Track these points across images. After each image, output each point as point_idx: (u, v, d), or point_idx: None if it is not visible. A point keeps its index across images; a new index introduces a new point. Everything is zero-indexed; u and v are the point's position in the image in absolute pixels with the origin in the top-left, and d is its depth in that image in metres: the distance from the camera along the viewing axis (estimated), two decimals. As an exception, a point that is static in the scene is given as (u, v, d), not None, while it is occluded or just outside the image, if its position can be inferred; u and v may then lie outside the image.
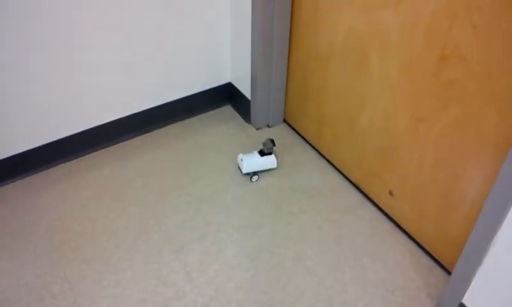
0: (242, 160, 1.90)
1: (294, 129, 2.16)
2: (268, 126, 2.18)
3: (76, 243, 1.69)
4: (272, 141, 1.90)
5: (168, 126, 2.20)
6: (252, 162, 1.90)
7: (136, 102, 2.07)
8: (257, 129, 2.17)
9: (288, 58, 2.00)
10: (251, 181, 1.93)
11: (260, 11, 1.82)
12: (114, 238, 1.70)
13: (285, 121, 2.21)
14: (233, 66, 2.19)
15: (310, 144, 2.08)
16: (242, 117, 2.25)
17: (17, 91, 1.75)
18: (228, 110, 2.31)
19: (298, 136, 2.13)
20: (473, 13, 1.20)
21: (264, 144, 1.90)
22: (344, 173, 1.93)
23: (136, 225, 1.75)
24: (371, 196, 1.83)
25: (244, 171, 1.90)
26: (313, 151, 2.05)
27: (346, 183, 1.91)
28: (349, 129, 1.80)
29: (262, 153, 1.92)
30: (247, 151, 2.01)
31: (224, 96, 2.29)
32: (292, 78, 2.04)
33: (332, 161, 1.98)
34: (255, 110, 2.12)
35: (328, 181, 1.92)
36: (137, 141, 2.13)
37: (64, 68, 1.79)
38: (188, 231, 1.72)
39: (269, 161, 1.92)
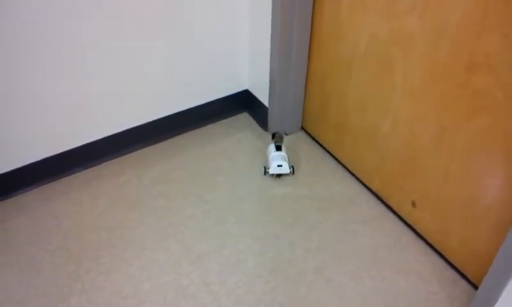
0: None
1: (312, 137, 2.13)
2: (286, 134, 2.15)
3: (93, 253, 1.67)
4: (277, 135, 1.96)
5: (185, 134, 2.18)
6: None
7: (153, 109, 2.05)
8: (274, 137, 2.15)
9: (308, 65, 1.97)
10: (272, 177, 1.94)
11: (280, 19, 1.79)
12: (131, 248, 1.68)
13: (302, 128, 2.18)
14: (251, 73, 2.16)
15: (329, 152, 2.05)
16: (259, 124, 2.22)
17: (33, 98, 1.74)
18: (245, 117, 2.29)
19: (316, 144, 2.10)
20: (505, 22, 1.16)
21: (276, 136, 1.95)
22: (363, 181, 1.90)
23: (154, 234, 1.73)
24: (392, 206, 1.79)
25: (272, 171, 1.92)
26: (332, 159, 2.02)
27: (366, 192, 1.88)
28: (370, 137, 1.77)
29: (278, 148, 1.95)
30: (261, 160, 1.99)
31: (241, 103, 2.27)
32: (311, 85, 2.01)
33: (352, 170, 1.95)
34: (272, 117, 2.10)
35: (348, 190, 1.89)
36: (154, 148, 2.11)
37: (80, 75, 1.78)
38: (207, 241, 1.70)
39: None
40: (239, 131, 2.20)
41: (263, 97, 2.13)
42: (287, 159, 1.90)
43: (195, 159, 2.05)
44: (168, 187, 1.92)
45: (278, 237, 1.71)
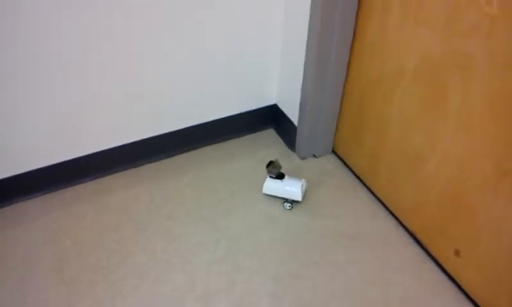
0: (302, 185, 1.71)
1: (344, 161, 1.90)
2: (314, 156, 1.94)
3: (89, 278, 1.48)
4: (273, 163, 1.72)
5: (205, 148, 1.99)
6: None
7: (172, 119, 1.86)
8: (302, 159, 1.93)
9: (345, 82, 1.75)
10: (284, 207, 1.73)
11: (318, 29, 1.58)
12: (132, 276, 1.49)
13: (333, 151, 1.96)
14: (281, 87, 1.96)
15: (362, 181, 1.82)
16: (285, 143, 2.01)
17: (39, 98, 1.57)
18: (270, 134, 2.08)
19: (348, 170, 1.88)
20: None
21: (272, 167, 1.71)
22: (400, 219, 1.66)
23: (159, 262, 1.53)
24: (432, 252, 1.55)
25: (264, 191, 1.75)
26: (365, 190, 1.79)
27: (402, 232, 1.64)
28: (411, 169, 1.54)
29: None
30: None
31: (268, 118, 2.06)
32: (347, 104, 1.79)
33: (387, 204, 1.71)
34: (301, 137, 1.88)
35: (381, 228, 1.65)
36: (170, 162, 1.93)
37: (93, 75, 1.61)
38: (216, 276, 1.49)
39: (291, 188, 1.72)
40: (263, 149, 1.99)
41: (292, 114, 1.92)
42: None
43: (212, 177, 1.85)
44: (179, 207, 1.73)
45: (298, 277, 1.49)
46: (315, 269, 1.51)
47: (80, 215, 1.70)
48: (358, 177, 1.84)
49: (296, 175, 1.78)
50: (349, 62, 1.70)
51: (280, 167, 1.72)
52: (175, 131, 1.89)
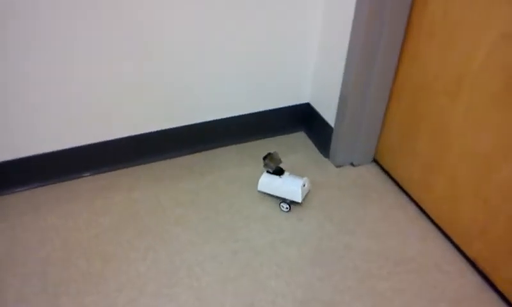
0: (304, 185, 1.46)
1: (388, 173, 1.62)
2: (352, 164, 1.66)
3: (77, 287, 1.22)
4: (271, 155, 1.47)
5: (226, 148, 1.72)
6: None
7: (190, 112, 1.62)
8: (337, 166, 1.65)
9: (395, 78, 1.48)
10: (280, 208, 1.48)
11: (366, 14, 1.33)
12: (128, 288, 1.22)
13: (375, 160, 1.68)
14: (316, 82, 1.69)
15: (410, 196, 1.53)
16: (318, 148, 1.74)
17: (39, 79, 1.34)
18: (300, 137, 1.81)
19: (392, 183, 1.59)
20: None
21: (270, 160, 1.47)
22: (458, 244, 1.37)
23: (162, 274, 1.26)
24: (496, 283, 1.25)
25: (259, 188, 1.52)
26: (413, 206, 1.50)
27: (460, 258, 1.34)
28: (477, 181, 1.25)
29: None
30: (319, 194, 1.51)
31: (299, 119, 1.80)
32: (395, 104, 1.52)
33: (441, 223, 1.42)
34: (337, 141, 1.61)
35: (433, 252, 1.36)
36: (182, 161, 1.67)
37: (103, 74, 1.37)
38: (231, 296, 1.21)
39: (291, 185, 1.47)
40: (292, 153, 1.72)
41: (328, 115, 1.65)
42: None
43: (232, 180, 1.58)
44: (191, 212, 1.46)
45: (331, 305, 1.20)
46: (351, 296, 1.23)
47: (74, 214, 1.44)
48: (404, 191, 1.55)
49: (330, 184, 1.51)
50: (401, 53, 1.44)
51: (279, 161, 1.47)
52: (192, 124, 1.63)
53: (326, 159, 1.69)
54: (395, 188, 1.57)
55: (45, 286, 1.23)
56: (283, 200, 1.48)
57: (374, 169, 1.65)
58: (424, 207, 1.47)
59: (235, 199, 1.51)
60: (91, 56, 1.37)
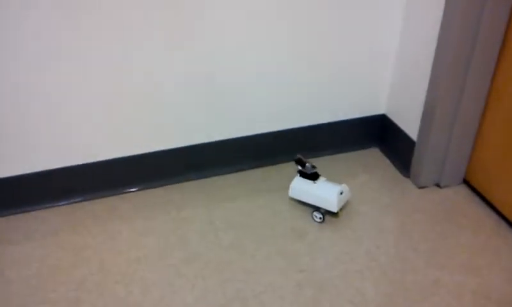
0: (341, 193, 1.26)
1: (482, 196, 1.35)
2: (438, 185, 1.40)
3: (110, 319, 1.03)
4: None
5: (289, 164, 1.51)
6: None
7: (247, 122, 1.43)
8: (420, 187, 1.40)
9: (493, 79, 1.23)
10: (312, 218, 1.28)
11: (459, 10, 1.11)
12: (170, 324, 1.02)
13: (465, 181, 1.41)
14: (394, 90, 1.46)
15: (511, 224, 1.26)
16: (396, 166, 1.49)
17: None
18: (374, 154, 1.57)
19: (488, 208, 1.32)
20: None
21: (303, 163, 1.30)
22: None
23: (212, 306, 1.05)
24: None
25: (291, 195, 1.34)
26: (516, 237, 1.23)
27: None
28: None
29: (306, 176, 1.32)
30: (399, 219, 1.27)
31: (372, 133, 1.56)
32: (493, 113, 1.26)
33: (555, 260, 1.14)
34: (421, 158, 1.36)
35: (548, 295, 1.08)
36: (238, 176, 1.48)
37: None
38: (294, 339, 0.98)
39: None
40: (364, 172, 1.48)
41: (409, 127, 1.41)
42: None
43: (295, 201, 1.36)
44: (246, 235, 1.25)
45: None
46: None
47: (114, 233, 1.27)
48: (505, 217, 1.27)
49: (411, 207, 1.27)
50: (501, 50, 1.19)
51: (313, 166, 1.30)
52: (252, 136, 1.44)
53: (406, 179, 1.44)
54: (492, 214, 1.30)
55: (75, 316, 1.05)
56: (317, 209, 1.27)
57: (464, 191, 1.38)
58: (533, 238, 1.20)
59: (297, 222, 1.29)
60: (141, 61, 1.21)
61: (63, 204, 1.37)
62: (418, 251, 1.18)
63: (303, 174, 1.30)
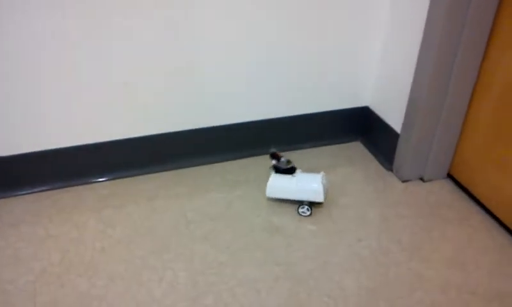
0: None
1: (467, 190, 1.30)
2: (422, 179, 1.35)
3: (70, 311, 0.95)
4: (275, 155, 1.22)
5: (260, 157, 1.44)
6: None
7: (226, 111, 1.36)
8: (403, 181, 1.35)
9: (480, 72, 1.19)
10: (300, 214, 1.21)
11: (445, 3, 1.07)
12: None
13: (450, 176, 1.36)
14: (378, 82, 1.41)
15: (497, 219, 1.20)
16: (378, 159, 1.44)
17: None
18: (356, 148, 1.51)
19: (474, 202, 1.27)
20: None
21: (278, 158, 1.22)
22: None
23: (181, 300, 0.98)
24: None
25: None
26: (504, 231, 1.17)
27: None
28: None
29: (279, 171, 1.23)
30: (382, 212, 1.21)
31: (355, 125, 1.50)
32: (479, 105, 1.21)
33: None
34: (405, 151, 1.31)
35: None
36: (214, 168, 1.40)
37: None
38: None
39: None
40: (346, 164, 1.42)
41: (393, 119, 1.36)
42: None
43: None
44: (221, 226, 1.18)
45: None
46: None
47: (78, 223, 1.19)
48: (490, 212, 1.22)
49: (394, 201, 1.21)
50: (489, 41, 1.15)
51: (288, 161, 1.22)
52: (229, 125, 1.37)
53: (389, 172, 1.38)
54: (477, 208, 1.25)
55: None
56: (301, 203, 1.20)
57: (448, 185, 1.33)
58: (521, 233, 1.15)
59: (275, 214, 1.22)
60: (103, 52, 1.14)
61: (26, 193, 1.28)
62: (401, 245, 1.12)
63: (278, 170, 1.23)
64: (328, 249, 1.11)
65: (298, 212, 1.21)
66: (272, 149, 1.24)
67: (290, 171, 1.21)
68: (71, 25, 1.10)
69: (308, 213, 1.20)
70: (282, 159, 1.21)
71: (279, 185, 1.22)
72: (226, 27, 1.22)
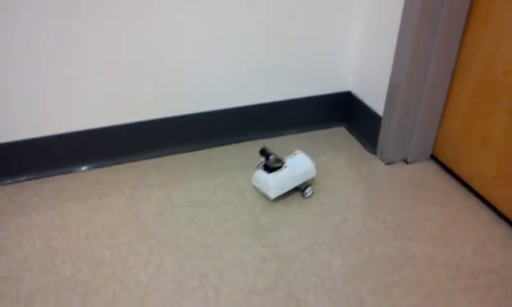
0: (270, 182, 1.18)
1: (451, 171, 1.31)
2: (405, 161, 1.36)
3: (57, 298, 0.94)
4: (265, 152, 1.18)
5: (250, 143, 1.44)
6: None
7: (210, 97, 1.35)
8: (387, 164, 1.36)
9: (460, 49, 1.20)
10: (304, 196, 1.22)
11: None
12: (124, 301, 0.93)
13: (433, 157, 1.37)
14: (359, 66, 1.42)
15: (481, 197, 1.22)
16: (362, 143, 1.45)
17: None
18: (340, 132, 1.52)
19: (457, 182, 1.28)
20: None
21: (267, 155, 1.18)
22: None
23: (167, 283, 0.97)
24: None
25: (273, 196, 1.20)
26: (487, 209, 1.19)
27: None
28: None
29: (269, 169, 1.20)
30: (366, 194, 1.22)
31: (338, 111, 1.51)
32: (460, 85, 1.23)
33: (526, 230, 1.11)
34: (387, 133, 1.32)
35: (518, 264, 1.04)
36: (198, 155, 1.40)
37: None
38: (257, 312, 0.91)
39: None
40: (329, 149, 1.43)
41: (375, 103, 1.37)
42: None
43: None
44: (207, 211, 1.18)
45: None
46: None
47: (62, 211, 1.17)
48: (474, 191, 1.24)
49: (379, 183, 1.22)
50: (468, 18, 1.16)
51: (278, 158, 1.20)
52: (212, 112, 1.37)
53: (373, 155, 1.39)
54: (462, 188, 1.26)
55: (18, 296, 0.94)
56: (303, 185, 1.22)
57: (432, 167, 1.35)
58: (502, 210, 1.16)
59: (261, 198, 1.22)
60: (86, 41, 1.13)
61: (8, 184, 1.26)
62: (386, 224, 1.13)
63: (267, 169, 1.20)
64: (314, 230, 1.11)
65: (304, 196, 1.22)
66: (263, 146, 1.21)
67: (280, 168, 1.20)
68: (48, 14, 1.09)
69: (311, 192, 1.22)
70: (271, 157, 1.18)
71: (281, 183, 1.20)
72: (203, 11, 1.21)
